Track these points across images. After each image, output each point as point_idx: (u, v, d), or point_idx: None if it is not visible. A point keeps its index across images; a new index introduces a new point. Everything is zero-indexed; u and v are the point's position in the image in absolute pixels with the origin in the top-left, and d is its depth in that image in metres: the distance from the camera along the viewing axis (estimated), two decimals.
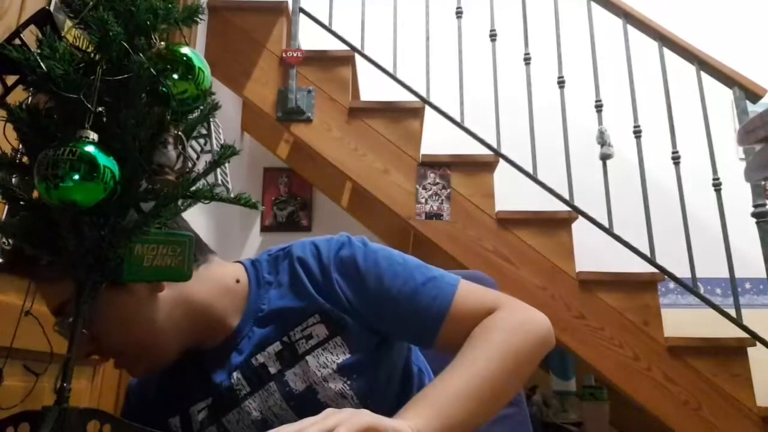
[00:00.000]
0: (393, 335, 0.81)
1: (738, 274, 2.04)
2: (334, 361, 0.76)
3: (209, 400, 0.79)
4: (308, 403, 0.75)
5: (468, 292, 0.79)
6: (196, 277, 0.74)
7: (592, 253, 2.18)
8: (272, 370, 0.77)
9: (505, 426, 0.95)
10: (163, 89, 0.59)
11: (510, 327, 0.74)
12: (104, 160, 0.53)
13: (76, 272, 0.56)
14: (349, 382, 0.76)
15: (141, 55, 0.56)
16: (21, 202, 0.57)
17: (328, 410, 0.59)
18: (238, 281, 0.82)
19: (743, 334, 1.96)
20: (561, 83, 2.22)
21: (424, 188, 2.12)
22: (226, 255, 2.80)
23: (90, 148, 0.52)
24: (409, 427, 0.60)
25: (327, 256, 0.80)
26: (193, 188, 0.62)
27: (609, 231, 2.07)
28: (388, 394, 0.81)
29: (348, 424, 0.55)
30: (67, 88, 0.54)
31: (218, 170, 0.69)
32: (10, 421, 0.55)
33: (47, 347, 0.67)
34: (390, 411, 0.70)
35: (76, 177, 0.51)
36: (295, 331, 0.78)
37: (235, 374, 0.78)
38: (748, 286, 2.66)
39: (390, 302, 0.78)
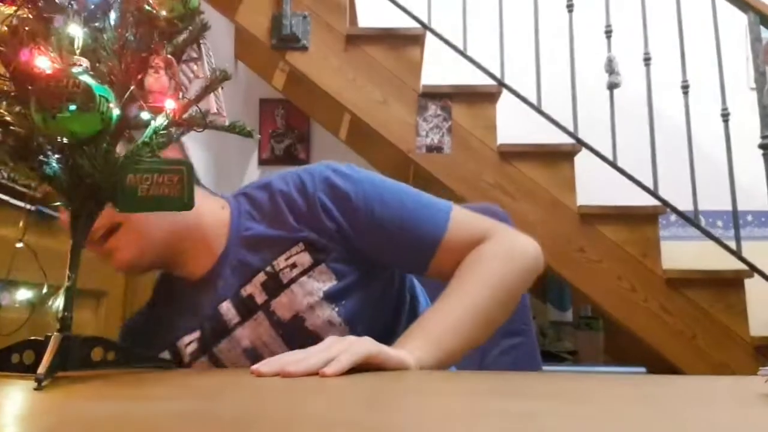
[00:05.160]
0: (384, 263, 0.81)
1: (741, 207, 2.03)
2: (320, 289, 0.76)
3: (197, 333, 0.79)
4: (296, 332, 0.75)
5: (460, 220, 0.79)
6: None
7: (598, 186, 2.16)
8: (259, 300, 0.77)
9: (511, 356, 0.97)
10: (148, 7, 0.56)
11: (501, 256, 0.76)
12: (100, 90, 0.51)
13: (71, 202, 0.55)
14: (336, 309, 0.76)
15: None
16: (11, 127, 0.55)
17: (331, 338, 0.60)
18: (223, 208, 0.83)
19: (742, 266, 1.97)
20: (570, 7, 2.12)
21: (425, 120, 2.07)
22: (224, 190, 2.77)
23: (86, 78, 0.51)
24: (410, 356, 0.62)
25: (312, 186, 0.79)
26: (186, 115, 0.60)
27: (612, 163, 2.05)
28: (377, 320, 0.80)
29: (350, 352, 0.56)
30: (49, 8, 0.53)
31: (213, 97, 0.67)
32: (15, 349, 0.55)
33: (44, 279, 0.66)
34: (378, 338, 0.72)
35: (73, 108, 0.50)
36: (279, 260, 0.77)
37: (224, 304, 0.78)
38: (750, 218, 2.67)
39: (381, 230, 0.77)
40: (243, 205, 0.83)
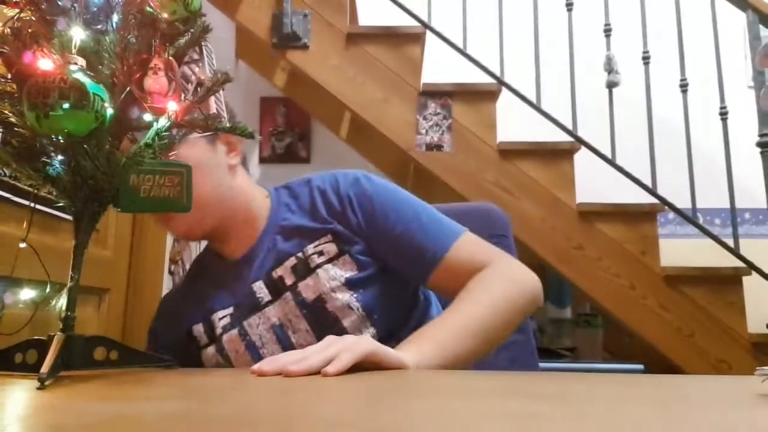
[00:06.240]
0: (391, 265, 0.86)
1: (739, 205, 2.03)
2: (342, 275, 0.83)
3: (231, 308, 0.87)
4: (318, 312, 0.83)
5: (468, 243, 0.84)
6: (244, 177, 0.90)
7: (596, 183, 2.17)
8: (288, 281, 0.85)
9: (511, 351, 1.00)
10: (150, 9, 0.57)
11: (507, 280, 0.80)
12: (94, 88, 0.51)
13: (73, 203, 0.56)
14: (355, 295, 0.83)
15: None
16: (15, 128, 0.55)
17: (331, 337, 0.62)
18: (266, 197, 0.92)
19: (740, 264, 1.98)
20: (569, 6, 2.12)
21: (425, 118, 2.07)
22: None
23: (79, 75, 0.51)
24: (409, 357, 0.65)
25: (345, 185, 0.88)
26: (187, 117, 0.61)
27: (611, 161, 2.05)
28: (391, 313, 0.86)
29: (350, 350, 0.58)
30: (51, 11, 0.53)
31: (213, 98, 0.67)
32: (19, 348, 0.56)
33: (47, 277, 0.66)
34: (393, 329, 0.82)
35: (67, 106, 0.49)
36: (309, 247, 0.85)
37: (257, 284, 0.86)
38: (747, 216, 2.67)
39: (391, 235, 0.84)
40: (283, 197, 0.92)
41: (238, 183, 0.89)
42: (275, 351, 0.84)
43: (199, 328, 0.88)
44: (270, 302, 0.85)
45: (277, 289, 0.85)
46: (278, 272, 0.86)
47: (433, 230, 0.84)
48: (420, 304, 0.92)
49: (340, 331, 0.82)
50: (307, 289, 0.83)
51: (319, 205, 0.87)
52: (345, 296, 0.82)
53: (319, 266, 0.84)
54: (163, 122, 0.57)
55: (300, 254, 0.86)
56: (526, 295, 0.81)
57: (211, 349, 0.87)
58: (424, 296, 0.94)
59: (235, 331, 0.85)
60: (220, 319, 0.87)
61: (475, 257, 0.82)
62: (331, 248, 0.85)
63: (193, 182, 0.78)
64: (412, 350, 0.67)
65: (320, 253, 0.85)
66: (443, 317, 0.76)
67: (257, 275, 0.87)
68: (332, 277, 0.83)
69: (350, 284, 0.83)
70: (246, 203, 0.89)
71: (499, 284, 0.79)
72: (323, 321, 0.82)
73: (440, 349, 0.70)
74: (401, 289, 0.89)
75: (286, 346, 0.83)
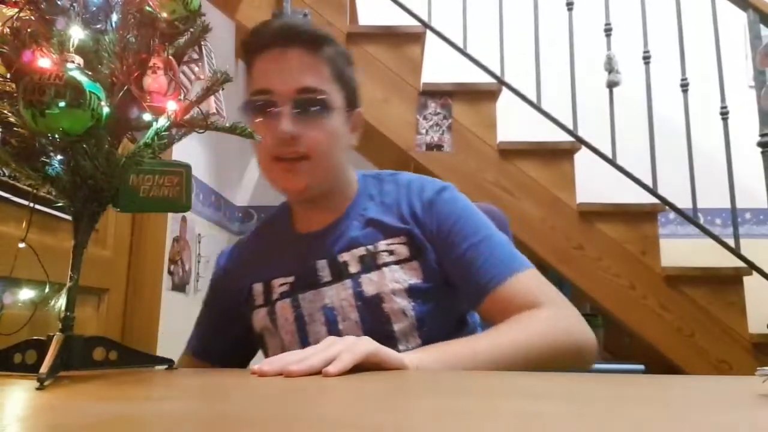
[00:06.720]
0: (449, 281, 0.85)
1: (739, 205, 2.03)
2: (406, 281, 0.83)
3: (292, 278, 0.88)
4: (373, 308, 0.83)
5: (529, 277, 0.81)
6: (350, 159, 0.92)
7: (597, 183, 2.16)
8: (352, 269, 0.85)
9: None
10: (149, 8, 0.57)
11: (552, 325, 0.76)
12: (90, 86, 0.50)
13: (72, 203, 0.56)
14: (413, 304, 0.82)
15: None
16: (15, 128, 0.55)
17: (331, 338, 0.63)
18: (356, 182, 0.93)
19: (741, 264, 1.98)
20: (569, 5, 2.13)
21: (425, 118, 2.07)
22: (224, 188, 2.76)
23: (75, 73, 0.51)
24: (411, 359, 0.65)
25: (430, 192, 0.88)
26: (187, 116, 0.60)
27: (612, 161, 2.05)
28: (440, 330, 0.83)
29: (351, 351, 0.58)
30: (50, 10, 0.53)
31: (213, 98, 0.67)
32: (18, 348, 0.56)
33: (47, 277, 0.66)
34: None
35: (62, 104, 0.49)
36: (381, 243, 0.86)
37: (321, 262, 0.87)
38: (748, 216, 2.67)
39: (458, 252, 0.83)
40: (370, 186, 0.93)
41: (348, 162, 0.92)
42: (320, 330, 0.84)
43: (258, 287, 0.91)
44: (328, 283, 0.86)
45: (339, 272, 0.86)
46: (344, 257, 0.86)
47: (498, 257, 0.82)
48: (468, 328, 0.92)
49: (388, 333, 0.81)
50: (369, 283, 0.83)
51: (402, 204, 0.88)
52: (403, 302, 0.82)
53: (386, 265, 0.84)
54: (162, 122, 0.57)
55: (371, 247, 0.86)
56: (568, 344, 0.76)
57: (263, 311, 0.89)
58: (471, 320, 0.93)
59: (288, 300, 0.87)
60: (280, 285, 0.89)
61: (530, 294, 0.79)
62: (403, 251, 0.85)
63: (327, 148, 0.85)
64: (418, 354, 0.67)
65: (391, 252, 0.85)
66: (466, 339, 0.75)
67: (324, 254, 0.88)
68: (396, 279, 0.83)
69: (411, 291, 0.83)
70: (345, 182, 0.91)
71: (541, 326, 0.75)
72: (375, 318, 0.82)
73: (447, 357, 0.69)
74: (456, 308, 0.89)
75: (333, 330, 0.83)
